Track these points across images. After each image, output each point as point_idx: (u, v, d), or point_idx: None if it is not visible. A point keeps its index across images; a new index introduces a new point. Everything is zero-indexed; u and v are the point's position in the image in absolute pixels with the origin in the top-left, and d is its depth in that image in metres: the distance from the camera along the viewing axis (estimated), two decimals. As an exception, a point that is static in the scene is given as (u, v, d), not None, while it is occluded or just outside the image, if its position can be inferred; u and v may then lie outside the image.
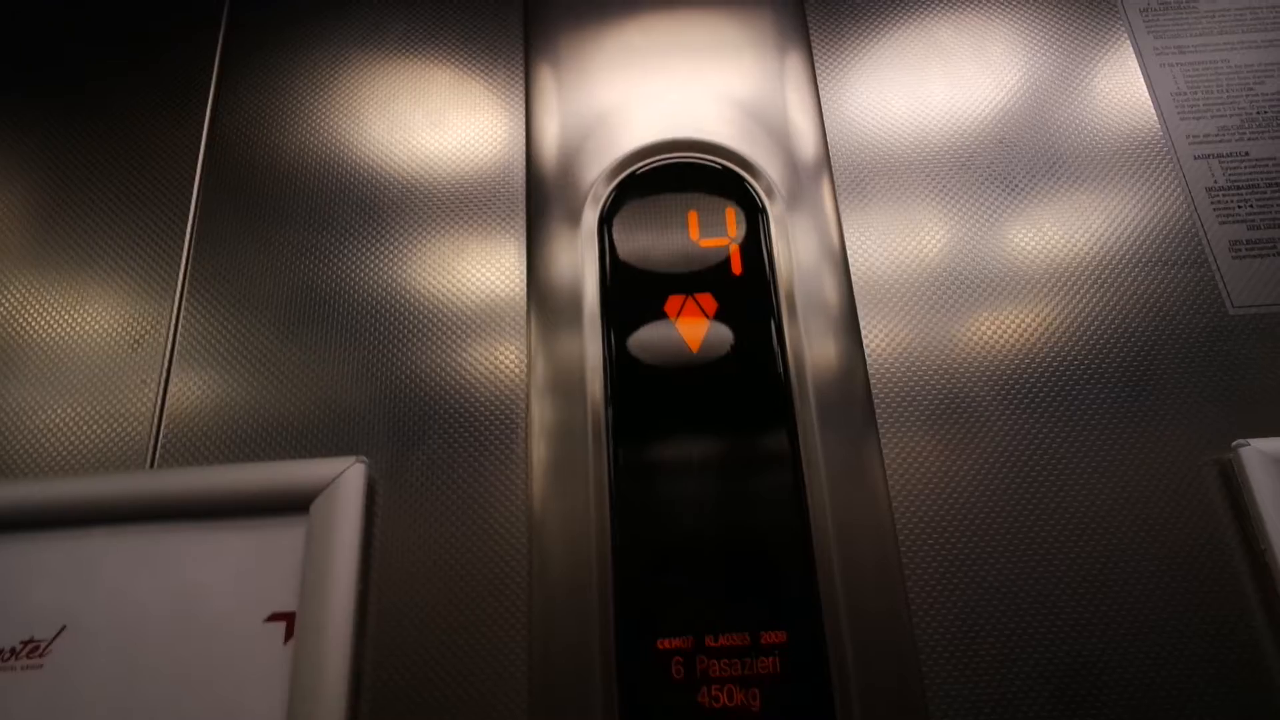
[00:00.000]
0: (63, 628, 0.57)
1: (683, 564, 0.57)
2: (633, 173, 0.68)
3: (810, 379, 0.61)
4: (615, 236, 0.66)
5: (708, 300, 0.63)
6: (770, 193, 0.67)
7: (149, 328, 0.67)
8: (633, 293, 0.64)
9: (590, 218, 0.66)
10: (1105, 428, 0.60)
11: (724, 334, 0.62)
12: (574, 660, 0.55)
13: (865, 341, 0.63)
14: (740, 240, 0.65)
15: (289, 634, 0.56)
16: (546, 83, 0.74)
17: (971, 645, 0.54)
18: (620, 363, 0.62)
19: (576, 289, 0.64)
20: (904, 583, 0.56)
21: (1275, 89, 0.70)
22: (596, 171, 0.68)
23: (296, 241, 0.68)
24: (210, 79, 0.76)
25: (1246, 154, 0.68)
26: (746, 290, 0.64)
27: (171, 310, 0.67)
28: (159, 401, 0.64)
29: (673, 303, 0.63)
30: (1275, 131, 0.68)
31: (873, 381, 0.62)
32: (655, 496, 0.58)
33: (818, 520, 0.57)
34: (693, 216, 0.66)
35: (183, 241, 0.70)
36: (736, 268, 0.64)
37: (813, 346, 0.62)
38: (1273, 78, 0.71)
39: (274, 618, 0.56)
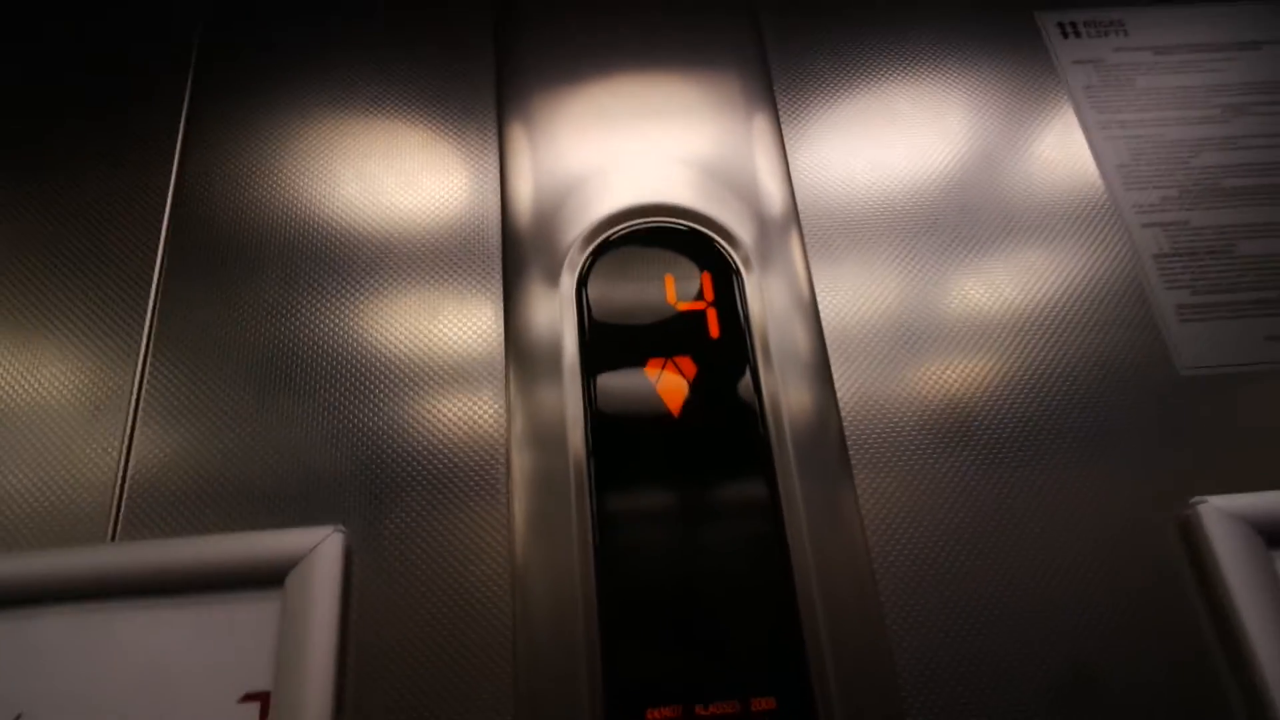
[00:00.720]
0: (17, 717, 0.54)
1: (670, 623, 0.56)
2: (608, 238, 0.69)
3: (788, 429, 0.62)
4: (593, 299, 0.66)
5: (686, 363, 0.64)
6: (743, 254, 0.69)
7: (111, 392, 0.64)
8: (612, 355, 0.64)
9: (568, 281, 0.67)
10: (1065, 479, 0.62)
11: (703, 395, 0.63)
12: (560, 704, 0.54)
13: (838, 389, 0.65)
14: (716, 302, 0.67)
15: (264, 715, 0.54)
16: (520, 145, 0.75)
17: (953, 688, 0.55)
18: (601, 423, 0.62)
19: (556, 349, 0.65)
20: (885, 630, 0.57)
21: (1208, 163, 0.75)
22: (572, 235, 0.69)
23: (266, 302, 0.67)
24: (177, 135, 0.75)
25: (1187, 223, 0.72)
26: (724, 351, 0.65)
27: (135, 373, 0.65)
28: (121, 469, 0.62)
29: (652, 365, 0.64)
30: (1210, 202, 0.73)
31: (846, 428, 0.64)
32: (639, 551, 0.58)
33: (801, 572, 0.58)
34: (669, 280, 0.67)
35: (147, 301, 0.68)
36: (714, 330, 0.65)
37: (789, 396, 0.64)
38: (1206, 152, 0.76)
39: (248, 698, 0.54)
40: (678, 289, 0.67)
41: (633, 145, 0.75)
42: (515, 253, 0.69)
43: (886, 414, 0.65)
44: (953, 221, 0.73)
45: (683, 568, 0.58)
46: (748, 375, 0.64)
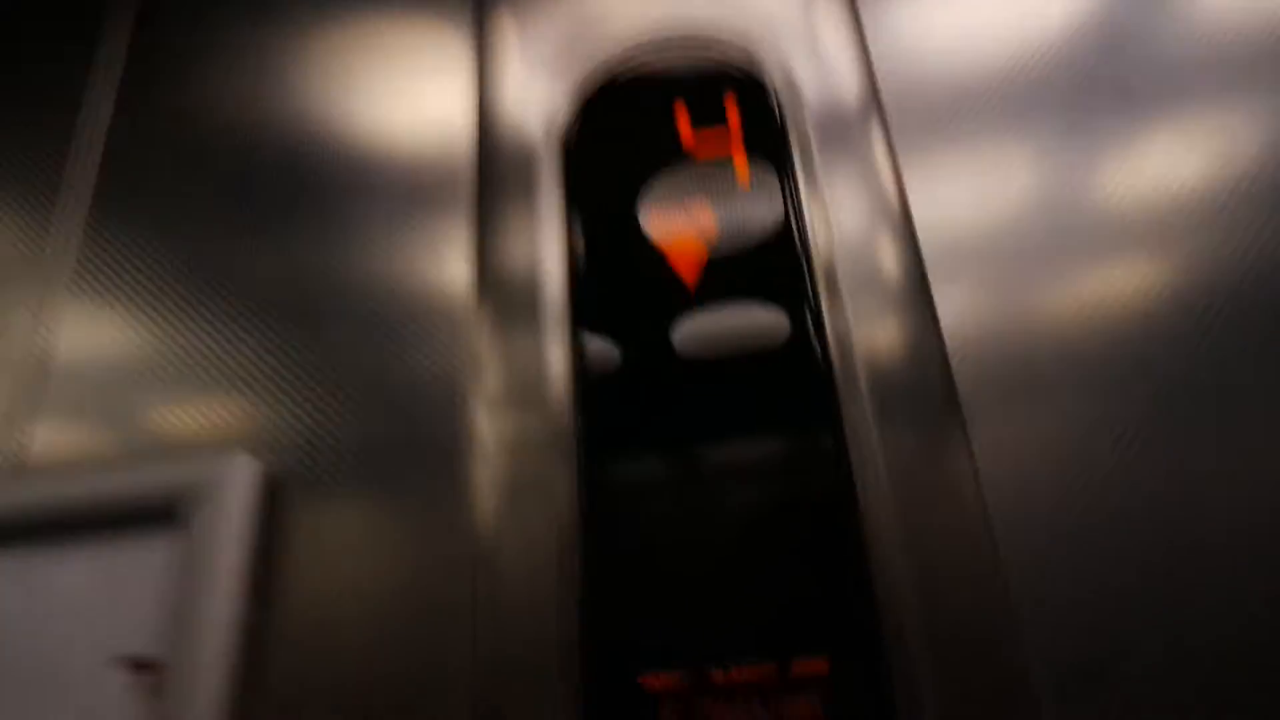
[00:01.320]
0: None
1: (680, 580, 0.40)
2: (614, 79, 0.54)
3: (859, 358, 0.46)
4: (584, 156, 0.52)
5: (705, 212, 0.47)
6: (795, 107, 0.52)
7: (15, 311, 0.55)
8: (602, 189, 0.49)
9: (552, 138, 0.53)
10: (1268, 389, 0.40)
11: (731, 255, 0.46)
12: (531, 709, 0.38)
13: (940, 312, 0.47)
14: (748, 148, 0.50)
15: (153, 684, 0.41)
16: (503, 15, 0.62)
17: (1098, 676, 0.34)
18: (590, 290, 0.46)
19: (532, 250, 0.50)
20: (1007, 593, 0.37)
21: None
22: (565, 84, 0.55)
23: (204, 211, 0.56)
24: (126, 22, 0.66)
25: None
26: (759, 205, 0.48)
27: (48, 287, 0.56)
28: (23, 396, 0.52)
29: (658, 217, 0.48)
30: None
31: (954, 362, 0.45)
32: (635, 501, 0.43)
33: (879, 530, 0.40)
34: (681, 113, 0.51)
35: (77, 208, 0.59)
36: (742, 177, 0.49)
37: (861, 323, 0.47)
38: None
39: (132, 664, 0.42)
40: (697, 132, 0.51)
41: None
42: (491, 130, 0.55)
43: (1011, 343, 0.45)
44: (1096, 76, 0.53)
45: (687, 520, 0.42)
46: (795, 255, 0.47)
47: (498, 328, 0.50)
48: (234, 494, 0.44)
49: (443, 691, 0.40)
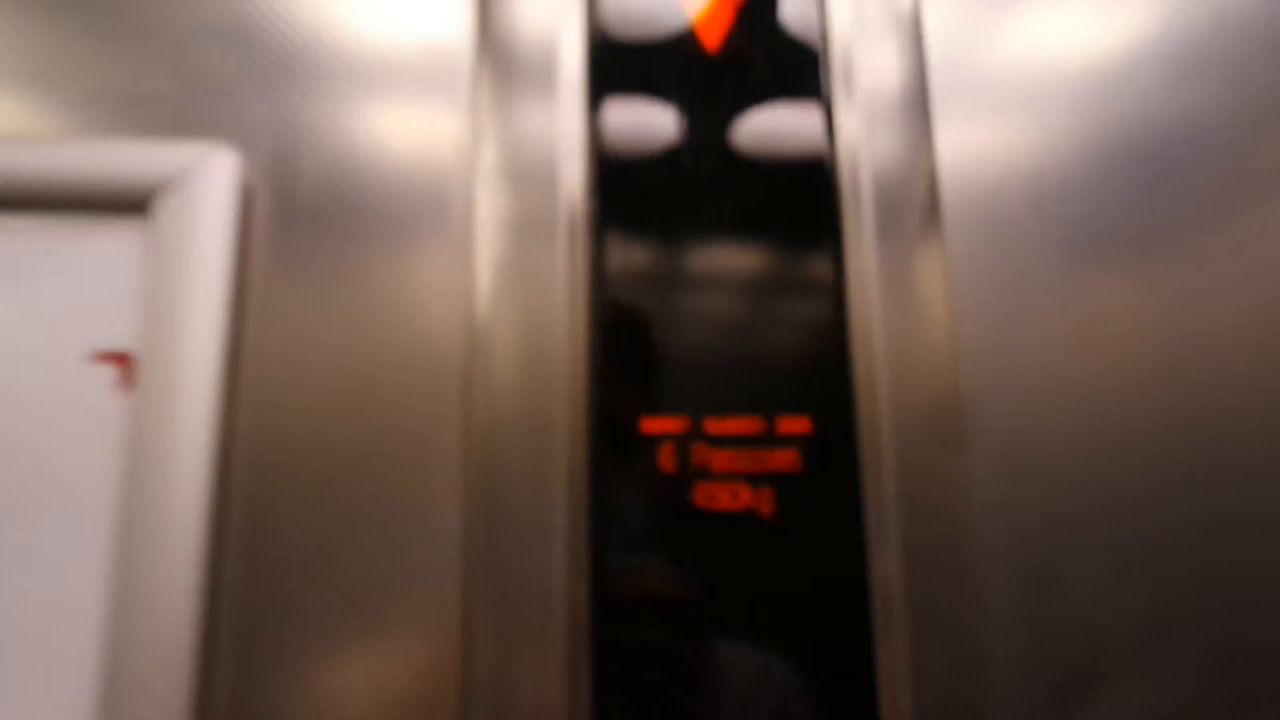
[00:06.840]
0: None
1: (679, 341, 0.43)
2: None
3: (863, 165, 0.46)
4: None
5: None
6: None
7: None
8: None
9: None
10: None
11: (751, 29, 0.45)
12: (529, 442, 0.41)
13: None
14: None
15: (126, 380, 0.40)
16: None
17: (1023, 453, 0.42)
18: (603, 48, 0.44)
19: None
20: (957, 385, 0.42)
21: None
22: None
23: None
24: None
25: None
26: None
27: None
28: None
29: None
30: None
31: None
32: (647, 284, 0.43)
33: (858, 309, 0.43)
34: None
35: None
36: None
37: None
38: None
39: (105, 358, 0.40)
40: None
41: None
42: None
43: (1001, 160, 0.45)
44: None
45: (688, 291, 0.43)
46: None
47: (501, 91, 0.46)
48: (211, 183, 0.40)
49: (430, 405, 0.41)
